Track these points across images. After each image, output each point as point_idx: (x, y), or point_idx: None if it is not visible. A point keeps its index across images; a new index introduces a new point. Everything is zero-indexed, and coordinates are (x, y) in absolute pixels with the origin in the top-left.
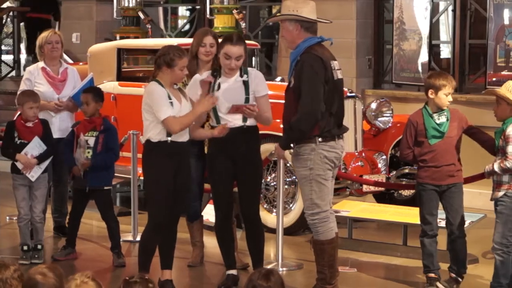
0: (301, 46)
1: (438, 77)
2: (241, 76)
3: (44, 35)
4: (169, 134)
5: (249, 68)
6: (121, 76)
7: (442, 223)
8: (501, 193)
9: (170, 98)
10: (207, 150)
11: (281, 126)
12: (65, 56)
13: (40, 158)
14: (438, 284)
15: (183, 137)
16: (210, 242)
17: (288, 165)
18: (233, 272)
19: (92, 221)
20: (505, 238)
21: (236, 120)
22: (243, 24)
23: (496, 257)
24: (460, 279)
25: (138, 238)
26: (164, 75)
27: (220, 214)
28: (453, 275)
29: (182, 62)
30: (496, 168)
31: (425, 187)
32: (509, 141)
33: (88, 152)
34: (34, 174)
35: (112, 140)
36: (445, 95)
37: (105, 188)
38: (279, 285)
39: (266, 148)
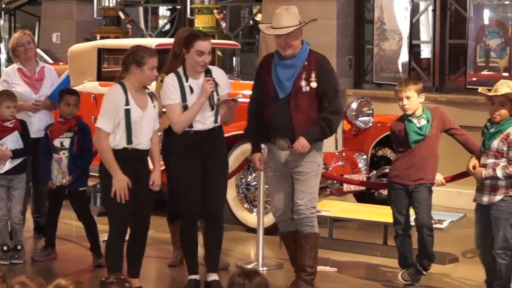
0: (303, 49)
1: (397, 84)
2: (206, 75)
3: (14, 37)
4: (129, 142)
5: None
6: (101, 76)
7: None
8: (498, 198)
9: (127, 104)
10: (174, 149)
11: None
12: (45, 56)
13: (15, 154)
14: (398, 276)
15: (145, 145)
16: None
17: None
18: (196, 277)
19: (72, 221)
20: (506, 241)
21: (209, 122)
22: (223, 24)
23: (501, 261)
24: (424, 272)
25: (107, 235)
26: (131, 76)
27: (186, 218)
28: (419, 267)
29: (152, 61)
30: (499, 174)
31: (394, 186)
32: None
33: (64, 154)
34: (3, 167)
35: (87, 140)
36: (401, 100)
37: (80, 189)
38: (264, 286)
39: (246, 149)
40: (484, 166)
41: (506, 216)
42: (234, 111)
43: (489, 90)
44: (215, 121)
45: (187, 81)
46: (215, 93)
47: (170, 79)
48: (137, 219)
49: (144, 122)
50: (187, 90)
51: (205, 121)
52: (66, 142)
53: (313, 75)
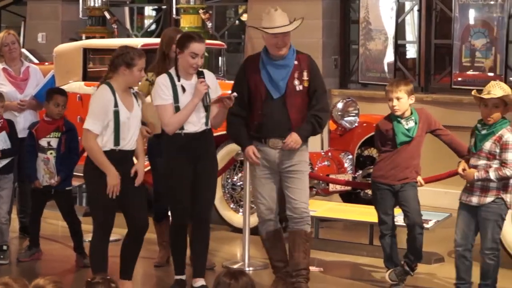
0: (291, 49)
1: (388, 84)
2: (199, 76)
3: None
4: (116, 143)
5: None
6: (87, 76)
7: (400, 222)
8: (489, 199)
9: (116, 106)
10: (164, 151)
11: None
12: (30, 56)
13: (4, 154)
14: (386, 276)
15: (131, 145)
16: None
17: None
18: (182, 277)
19: (57, 221)
20: (495, 242)
21: (200, 124)
22: (209, 24)
23: (489, 261)
24: (411, 273)
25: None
26: (119, 77)
27: (176, 220)
28: (406, 267)
29: (141, 63)
30: (492, 176)
31: (379, 186)
32: (507, 148)
33: (51, 153)
34: None
35: (74, 140)
36: (391, 100)
37: (67, 189)
38: (250, 286)
39: (232, 148)
40: (475, 167)
41: (496, 218)
42: (226, 113)
43: (478, 91)
44: (206, 124)
45: (179, 80)
46: (207, 95)
47: (162, 79)
48: (131, 218)
49: (132, 122)
50: (179, 90)
51: (196, 123)
52: (54, 142)
53: (305, 74)
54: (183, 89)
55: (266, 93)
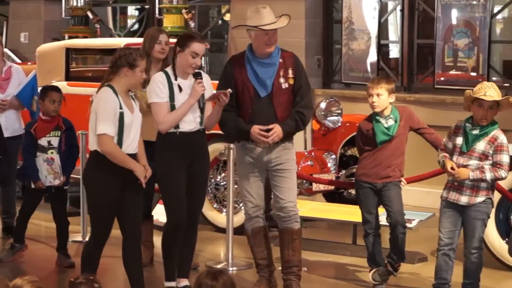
0: (276, 47)
1: (370, 81)
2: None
3: None
4: (119, 146)
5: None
6: (69, 76)
7: (384, 221)
8: (479, 199)
9: (121, 108)
10: (158, 152)
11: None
12: (13, 56)
13: None
14: (369, 276)
15: (133, 149)
16: (160, 242)
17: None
18: (172, 284)
19: (40, 221)
20: (480, 241)
21: (195, 123)
22: (192, 24)
23: (474, 260)
24: (394, 273)
25: (88, 239)
26: (122, 78)
27: (172, 222)
28: (389, 267)
29: (143, 64)
30: (488, 176)
31: (361, 185)
32: (502, 149)
33: (52, 153)
34: None
35: (74, 137)
36: (371, 96)
37: (65, 187)
38: (228, 286)
39: (215, 148)
40: (464, 167)
41: (483, 217)
42: (220, 113)
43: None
44: (201, 124)
45: (176, 79)
46: (203, 96)
47: (160, 77)
48: (128, 226)
49: (134, 125)
50: (176, 89)
51: (191, 122)
52: (54, 141)
53: (290, 72)
54: (180, 89)
55: (254, 92)
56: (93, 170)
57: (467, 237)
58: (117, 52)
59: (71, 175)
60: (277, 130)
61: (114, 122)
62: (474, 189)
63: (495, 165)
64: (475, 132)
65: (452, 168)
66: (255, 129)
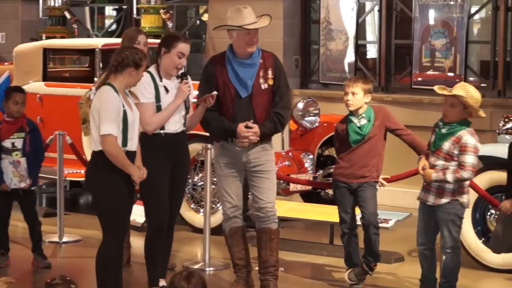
0: (257, 48)
1: (347, 80)
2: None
3: None
4: (124, 144)
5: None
6: (47, 76)
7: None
8: (444, 200)
9: (124, 106)
10: (144, 151)
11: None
12: None
13: None
14: (345, 276)
15: (135, 146)
16: (137, 242)
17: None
18: None
19: (17, 222)
20: (455, 241)
21: (179, 125)
22: (170, 24)
23: (449, 259)
24: (370, 273)
25: (64, 239)
26: (124, 78)
27: (157, 222)
28: (365, 267)
29: (145, 63)
30: (450, 178)
31: (338, 184)
32: (466, 150)
33: (17, 155)
34: None
35: (39, 139)
36: (346, 94)
37: (33, 188)
38: (200, 286)
39: (193, 148)
40: (433, 167)
41: (452, 217)
42: (203, 113)
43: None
44: (184, 124)
45: (161, 80)
46: (188, 97)
47: (146, 78)
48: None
49: (135, 122)
50: (162, 90)
51: (177, 123)
52: (19, 143)
53: (269, 72)
54: (166, 90)
55: (235, 92)
56: (98, 171)
57: (441, 237)
58: (121, 51)
59: (49, 176)
60: (255, 131)
61: (118, 122)
62: (439, 190)
63: (459, 165)
64: (443, 131)
65: (423, 168)
66: (241, 127)
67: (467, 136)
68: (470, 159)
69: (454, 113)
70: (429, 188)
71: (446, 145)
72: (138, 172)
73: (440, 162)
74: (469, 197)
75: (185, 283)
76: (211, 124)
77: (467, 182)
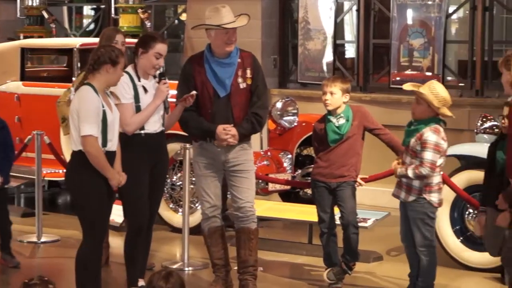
0: (235, 47)
1: (325, 79)
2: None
3: None
4: (104, 144)
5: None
6: (25, 76)
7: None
8: (411, 198)
9: (103, 106)
10: (122, 153)
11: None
12: None
13: None
14: (324, 275)
15: (115, 146)
16: (115, 242)
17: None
18: None
19: None
20: (427, 239)
21: (158, 124)
22: (148, 24)
23: (423, 257)
24: (349, 272)
25: (43, 239)
26: (102, 76)
27: (136, 225)
28: (344, 266)
29: (123, 61)
30: (410, 174)
31: (317, 184)
32: (426, 147)
33: None
34: None
35: (9, 137)
36: (324, 94)
37: (6, 186)
38: (179, 286)
39: (172, 148)
40: (403, 163)
41: (422, 216)
42: (181, 113)
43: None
44: (163, 124)
45: (139, 80)
46: (167, 97)
47: (124, 78)
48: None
49: (115, 122)
50: (140, 90)
51: (156, 123)
52: None
53: (248, 71)
54: (145, 90)
55: (214, 92)
56: (78, 171)
57: (413, 236)
58: (97, 49)
59: (27, 176)
60: (233, 133)
61: (97, 122)
62: (408, 187)
63: (420, 162)
64: (411, 128)
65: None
66: (220, 129)
67: (428, 133)
68: (428, 155)
69: (420, 110)
70: (401, 185)
71: (411, 141)
72: (117, 178)
73: (408, 159)
74: (441, 197)
75: (163, 283)
76: (189, 124)
77: (436, 181)
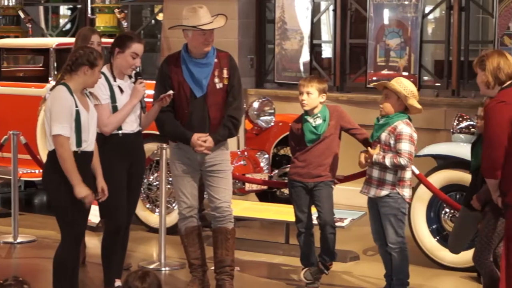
0: (212, 47)
1: (302, 79)
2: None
3: None
4: (79, 144)
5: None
6: (1, 76)
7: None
8: (384, 193)
9: (77, 106)
10: (100, 154)
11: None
12: None
13: None
14: (301, 275)
15: (92, 147)
16: (92, 242)
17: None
18: None
19: None
20: (399, 236)
21: (136, 124)
22: (125, 24)
23: (395, 255)
24: (326, 272)
25: (19, 240)
26: (79, 78)
27: (114, 225)
28: (321, 266)
29: (101, 64)
30: (388, 162)
31: (294, 183)
32: (401, 138)
33: None
34: None
35: None
36: (301, 94)
37: None
38: (155, 286)
39: (148, 148)
40: (371, 158)
41: (394, 212)
42: (157, 112)
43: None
44: (140, 125)
45: (115, 81)
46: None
47: (100, 79)
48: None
49: (90, 123)
50: (116, 90)
51: (133, 123)
52: None
53: (225, 71)
54: (121, 90)
55: (190, 92)
56: (55, 171)
57: (385, 233)
58: (76, 50)
59: (3, 176)
60: (208, 144)
61: (69, 122)
62: (380, 182)
63: (397, 153)
64: (380, 122)
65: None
66: (195, 139)
67: (402, 125)
68: (406, 146)
69: (389, 105)
70: (370, 181)
71: (383, 135)
72: (85, 192)
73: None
74: (410, 192)
75: (139, 283)
76: (166, 127)
77: (408, 176)
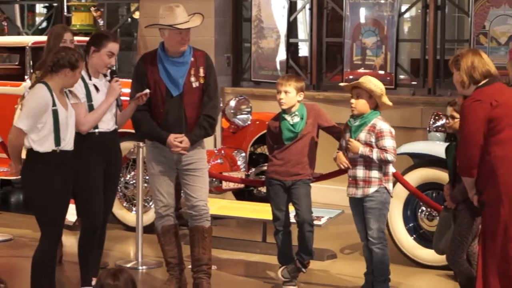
0: (188, 46)
1: (280, 78)
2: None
3: None
4: (57, 143)
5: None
6: None
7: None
8: (372, 189)
9: (54, 105)
10: (76, 152)
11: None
12: None
13: None
14: (278, 273)
15: (70, 146)
16: (69, 241)
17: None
18: None
19: None
20: (381, 231)
21: (112, 123)
22: (101, 22)
23: (377, 250)
24: (303, 270)
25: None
26: (60, 79)
27: (91, 224)
28: (298, 264)
29: (82, 65)
30: (375, 156)
31: (271, 181)
32: (383, 135)
33: None
34: None
35: None
36: (279, 93)
37: None
38: (128, 283)
39: (125, 147)
40: (353, 159)
41: (380, 206)
42: (133, 111)
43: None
44: (116, 123)
45: (90, 79)
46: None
47: None
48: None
49: (69, 122)
50: (92, 89)
51: (109, 122)
52: None
53: (201, 70)
54: (96, 88)
55: (166, 91)
56: (33, 170)
57: (367, 229)
58: (58, 51)
59: None
60: (184, 145)
61: (34, 120)
62: (366, 181)
63: (381, 149)
64: (356, 123)
65: (348, 144)
66: (171, 140)
67: (380, 123)
68: (389, 142)
69: (361, 103)
70: (356, 182)
71: (362, 135)
72: (15, 169)
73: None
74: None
75: (111, 280)
76: (142, 127)
77: (391, 170)
